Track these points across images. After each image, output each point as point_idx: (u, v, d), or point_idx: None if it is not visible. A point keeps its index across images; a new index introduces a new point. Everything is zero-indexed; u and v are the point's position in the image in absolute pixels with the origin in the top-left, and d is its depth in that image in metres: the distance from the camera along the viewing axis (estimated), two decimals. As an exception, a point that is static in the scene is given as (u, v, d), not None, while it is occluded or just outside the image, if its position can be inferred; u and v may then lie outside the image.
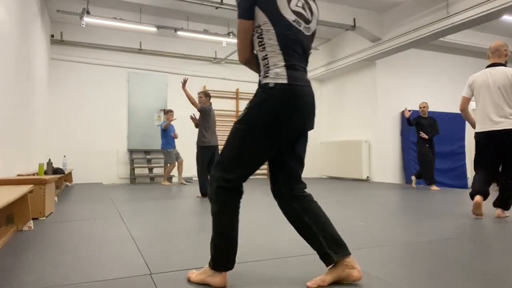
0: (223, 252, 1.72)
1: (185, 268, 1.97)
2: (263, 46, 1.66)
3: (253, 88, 8.49)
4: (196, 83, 9.47)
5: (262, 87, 1.66)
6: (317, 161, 10.34)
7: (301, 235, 1.80)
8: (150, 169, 8.83)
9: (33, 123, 5.86)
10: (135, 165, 8.63)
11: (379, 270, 1.95)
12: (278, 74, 1.63)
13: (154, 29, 7.74)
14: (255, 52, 1.72)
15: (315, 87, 10.57)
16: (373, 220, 3.51)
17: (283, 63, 1.64)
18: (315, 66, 9.98)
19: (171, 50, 9.21)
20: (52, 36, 8.14)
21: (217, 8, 6.64)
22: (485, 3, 5.80)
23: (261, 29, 1.65)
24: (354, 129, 9.36)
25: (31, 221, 3.09)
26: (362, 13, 7.63)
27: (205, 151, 5.25)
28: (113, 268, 2.00)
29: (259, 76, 1.71)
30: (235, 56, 9.40)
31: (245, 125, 1.66)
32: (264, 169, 10.00)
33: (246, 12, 1.65)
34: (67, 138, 8.17)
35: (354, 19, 7.57)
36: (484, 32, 8.45)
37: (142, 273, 1.89)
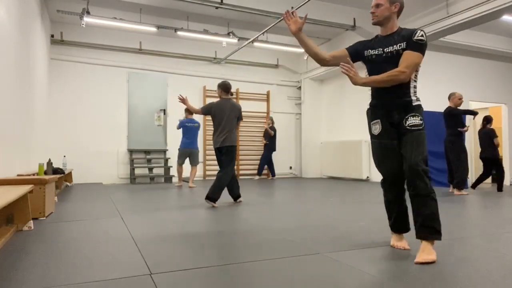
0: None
1: (185, 268, 1.97)
2: (416, 79, 2.36)
3: (253, 88, 8.51)
4: (196, 83, 9.48)
5: (419, 106, 2.35)
6: (317, 161, 10.35)
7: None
8: (150, 169, 8.83)
9: (33, 123, 5.85)
10: (135, 165, 8.63)
11: (379, 270, 1.95)
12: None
13: (154, 29, 7.74)
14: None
15: (315, 87, 10.63)
16: (373, 220, 3.51)
17: None
18: (315, 66, 9.97)
19: (171, 50, 9.21)
20: (52, 36, 8.14)
21: (217, 8, 6.64)
22: (485, 3, 5.80)
23: (418, 68, 2.33)
24: (354, 129, 9.36)
25: (31, 221, 3.09)
26: (362, 13, 7.63)
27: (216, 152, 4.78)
28: (113, 268, 2.00)
29: (405, 96, 2.33)
30: (235, 56, 9.41)
31: (424, 130, 2.30)
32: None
33: (424, 53, 2.30)
34: (67, 138, 8.17)
35: (354, 19, 7.56)
36: (484, 32, 8.45)
37: (142, 273, 1.89)
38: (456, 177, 5.96)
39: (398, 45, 2.31)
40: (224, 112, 4.69)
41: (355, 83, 2.31)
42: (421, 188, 2.17)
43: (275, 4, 6.94)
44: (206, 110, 4.86)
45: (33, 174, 4.54)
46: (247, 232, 2.97)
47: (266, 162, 9.52)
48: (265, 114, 10.23)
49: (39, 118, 6.46)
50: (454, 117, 6.06)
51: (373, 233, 2.90)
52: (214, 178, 4.67)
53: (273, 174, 9.70)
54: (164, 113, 9.01)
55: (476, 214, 4.12)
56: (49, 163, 4.93)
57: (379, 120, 2.41)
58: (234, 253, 2.32)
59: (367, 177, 8.79)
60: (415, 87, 2.36)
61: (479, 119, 8.01)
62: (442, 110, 6.38)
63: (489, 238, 2.77)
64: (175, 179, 8.61)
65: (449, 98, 6.23)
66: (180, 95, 4.89)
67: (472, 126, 10.42)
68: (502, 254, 2.30)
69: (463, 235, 2.90)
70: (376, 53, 2.39)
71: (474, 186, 6.86)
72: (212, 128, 4.82)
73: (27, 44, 5.23)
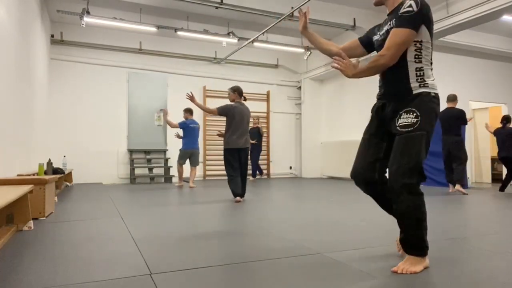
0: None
1: (185, 268, 1.97)
2: (419, 59, 1.95)
3: (253, 88, 8.56)
4: (196, 83, 9.48)
5: (422, 96, 1.92)
6: (317, 161, 10.34)
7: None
8: (150, 169, 8.83)
9: (33, 123, 5.86)
10: (135, 165, 8.63)
11: (380, 270, 1.95)
12: (434, 85, 1.97)
13: (154, 29, 7.74)
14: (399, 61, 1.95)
15: (315, 87, 10.63)
16: (373, 219, 3.51)
17: (433, 77, 1.99)
18: (315, 66, 9.98)
19: (171, 50, 9.21)
20: (52, 36, 8.14)
21: (217, 8, 6.64)
22: (485, 3, 5.80)
23: (421, 44, 1.94)
24: (354, 129, 9.36)
25: (31, 221, 3.09)
26: (362, 13, 7.63)
27: (226, 153, 4.97)
28: (113, 268, 2.00)
29: (404, 82, 1.95)
30: (235, 56, 9.40)
31: (425, 130, 1.89)
32: (263, 169, 9.99)
33: (417, 26, 1.90)
34: (67, 138, 8.17)
35: (354, 19, 7.56)
36: (484, 32, 8.45)
37: (142, 273, 1.89)
38: (457, 173, 6.07)
39: (389, 25, 1.98)
40: (243, 115, 4.98)
41: (347, 75, 2.01)
42: (401, 204, 1.89)
43: (275, 4, 6.94)
44: (224, 111, 4.97)
45: (33, 174, 4.54)
46: (246, 232, 2.97)
47: (257, 162, 9.36)
48: (265, 114, 10.23)
49: (39, 118, 6.46)
50: (463, 119, 6.27)
51: (373, 233, 2.90)
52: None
53: (261, 172, 9.62)
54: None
55: (477, 213, 4.12)
56: (49, 163, 4.93)
57: (372, 115, 2.16)
58: (234, 253, 2.32)
59: (367, 177, 8.79)
60: (419, 69, 1.94)
61: (480, 119, 8.01)
62: (441, 110, 6.42)
63: (490, 238, 2.77)
64: (175, 179, 8.61)
65: (453, 99, 6.33)
66: (190, 92, 5.10)
67: (472, 126, 10.43)
68: (504, 254, 2.30)
69: (464, 234, 2.90)
70: (377, 38, 2.13)
71: (502, 189, 6.57)
72: (212, 129, 4.93)
73: (27, 44, 5.23)
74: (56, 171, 5.64)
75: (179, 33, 7.88)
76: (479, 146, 10.71)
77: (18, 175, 4.23)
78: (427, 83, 1.94)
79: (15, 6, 4.44)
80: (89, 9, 6.84)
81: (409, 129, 1.89)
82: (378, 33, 2.12)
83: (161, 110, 8.98)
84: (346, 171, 9.28)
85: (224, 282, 1.78)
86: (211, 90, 9.52)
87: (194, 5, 6.74)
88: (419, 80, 1.94)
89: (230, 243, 2.58)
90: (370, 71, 1.97)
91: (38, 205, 3.49)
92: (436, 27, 6.60)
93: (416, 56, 1.94)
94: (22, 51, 4.92)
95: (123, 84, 8.80)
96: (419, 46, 1.94)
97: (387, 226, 3.25)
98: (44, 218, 3.54)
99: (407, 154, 1.88)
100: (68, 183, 7.31)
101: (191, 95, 5.03)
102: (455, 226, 3.25)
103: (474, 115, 10.73)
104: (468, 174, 9.46)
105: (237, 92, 5.11)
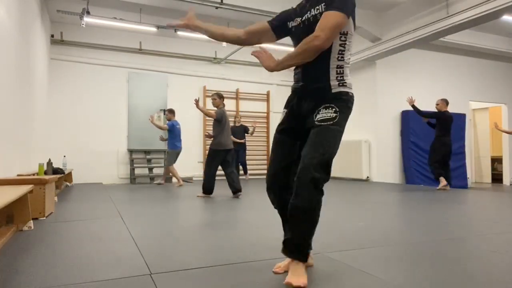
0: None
1: (185, 268, 1.97)
2: (342, 58, 1.79)
3: (253, 88, 8.65)
4: (196, 83, 9.48)
5: (341, 95, 1.79)
6: (317, 161, 10.33)
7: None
8: (150, 169, 8.83)
9: (33, 123, 5.86)
10: (135, 165, 8.63)
11: (378, 270, 1.95)
12: (351, 85, 1.84)
13: (154, 29, 7.74)
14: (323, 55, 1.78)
15: (315, 87, 10.65)
16: (372, 220, 3.51)
17: (349, 76, 1.85)
18: (315, 66, 9.97)
19: (171, 50, 9.20)
20: (52, 36, 8.14)
21: (217, 8, 6.64)
22: (485, 3, 5.80)
23: (346, 38, 1.78)
24: (354, 129, 9.35)
25: (31, 221, 3.09)
26: (362, 13, 7.63)
27: (215, 153, 5.45)
28: (113, 268, 2.00)
29: (323, 79, 1.79)
30: (235, 56, 9.40)
31: (341, 127, 1.79)
32: (263, 169, 9.99)
33: (349, 13, 1.73)
34: (67, 138, 8.16)
35: (354, 19, 7.56)
36: (484, 32, 8.45)
37: (142, 273, 1.89)
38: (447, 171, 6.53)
39: (316, 9, 1.77)
40: (228, 119, 5.54)
41: (267, 67, 1.84)
42: (303, 199, 1.69)
43: (275, 4, 6.93)
44: (220, 116, 5.43)
45: (33, 174, 4.54)
46: (247, 232, 2.98)
47: (245, 161, 9.09)
48: (265, 114, 10.23)
49: (39, 118, 6.46)
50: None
51: (372, 233, 2.90)
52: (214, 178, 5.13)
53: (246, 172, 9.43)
54: (164, 113, 9.01)
55: (477, 213, 4.12)
56: (49, 163, 4.93)
57: (286, 111, 1.93)
58: (234, 253, 2.32)
59: (367, 177, 8.80)
60: (339, 67, 1.79)
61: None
62: (442, 112, 6.57)
63: (490, 238, 2.77)
64: (175, 179, 8.61)
65: (448, 103, 6.64)
66: (198, 98, 5.71)
67: (472, 126, 10.43)
68: (504, 254, 2.30)
69: (464, 234, 2.90)
70: (295, 24, 1.89)
71: None
72: (211, 129, 5.57)
73: (27, 44, 5.23)
74: (56, 171, 5.64)
75: (179, 33, 7.88)
76: (479, 146, 10.70)
77: (18, 175, 4.23)
78: (345, 83, 1.80)
79: (15, 6, 4.44)
80: (89, 9, 6.84)
81: (328, 122, 1.74)
82: (298, 19, 1.87)
83: (161, 110, 8.99)
84: (346, 171, 9.34)
85: (224, 282, 1.78)
86: (211, 90, 9.51)
87: (194, 5, 6.74)
88: (338, 78, 1.79)
89: (230, 243, 2.58)
90: (302, 55, 1.75)
91: (38, 205, 3.49)
92: (436, 27, 6.61)
93: (340, 52, 1.78)
94: (22, 51, 4.92)
95: (123, 84, 8.80)
96: (344, 39, 1.77)
97: (387, 226, 3.25)
98: (44, 218, 3.54)
99: (324, 145, 1.72)
100: (68, 183, 7.31)
101: (198, 100, 5.51)
102: (455, 226, 3.25)
103: (474, 115, 10.73)
104: (468, 174, 9.49)
105: (222, 98, 5.62)
